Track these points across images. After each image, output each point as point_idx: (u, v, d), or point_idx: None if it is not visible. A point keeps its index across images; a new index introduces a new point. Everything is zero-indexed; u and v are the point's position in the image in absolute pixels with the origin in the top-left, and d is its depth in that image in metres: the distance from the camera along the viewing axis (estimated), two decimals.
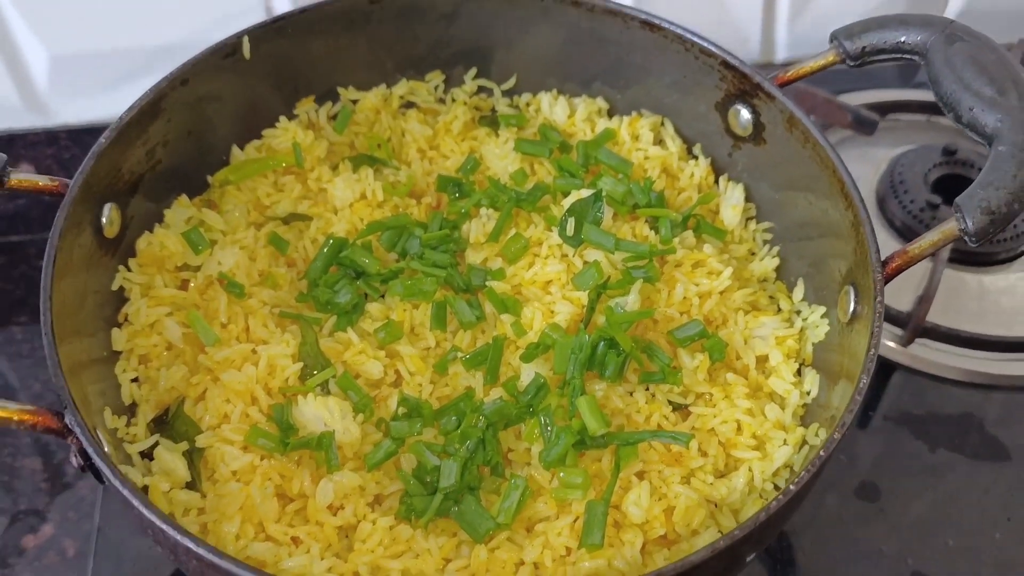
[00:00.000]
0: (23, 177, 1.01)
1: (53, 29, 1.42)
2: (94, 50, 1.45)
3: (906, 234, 1.43)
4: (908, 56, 1.08)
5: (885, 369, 1.35)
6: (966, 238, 0.97)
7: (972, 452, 1.28)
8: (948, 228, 0.98)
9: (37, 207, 1.52)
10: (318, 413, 1.01)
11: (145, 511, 0.80)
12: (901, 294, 1.37)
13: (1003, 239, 1.42)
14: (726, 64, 1.17)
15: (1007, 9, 1.72)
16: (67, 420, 0.86)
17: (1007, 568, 1.18)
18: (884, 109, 1.59)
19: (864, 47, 1.09)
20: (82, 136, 1.51)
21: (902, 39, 1.08)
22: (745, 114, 1.18)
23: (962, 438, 1.29)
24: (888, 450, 1.28)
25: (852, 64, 1.11)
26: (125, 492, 0.80)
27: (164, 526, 0.79)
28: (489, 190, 1.21)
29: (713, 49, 1.17)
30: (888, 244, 1.41)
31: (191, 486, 1.00)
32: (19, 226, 1.52)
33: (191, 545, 0.78)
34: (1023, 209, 0.96)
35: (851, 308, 1.03)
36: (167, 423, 1.03)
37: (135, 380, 1.07)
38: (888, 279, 0.98)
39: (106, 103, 1.50)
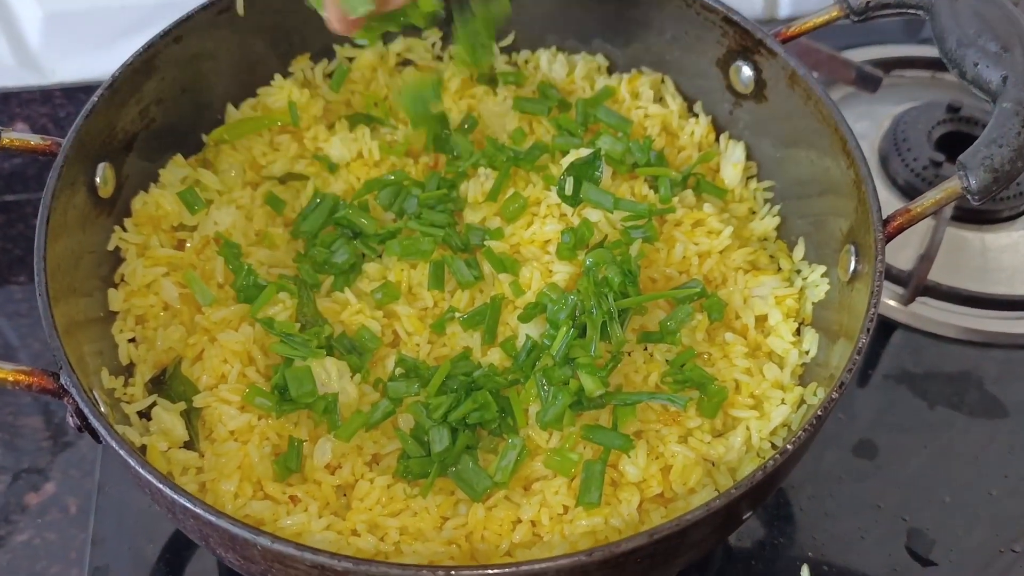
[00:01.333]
0: (16, 136, 1.00)
1: None
2: (87, 7, 1.44)
3: (909, 192, 1.42)
4: (913, 11, 1.07)
5: (885, 328, 1.35)
6: (969, 196, 0.96)
7: (970, 410, 1.28)
8: (951, 186, 0.97)
9: (33, 166, 1.51)
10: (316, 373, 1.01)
11: (142, 470, 0.80)
12: (902, 252, 1.36)
13: (1006, 197, 1.41)
14: (728, 20, 1.15)
15: None
16: (63, 380, 0.86)
17: (1003, 524, 1.18)
18: (888, 65, 1.57)
19: (868, 2, 1.08)
20: (77, 94, 1.50)
21: None
22: (747, 71, 1.17)
23: (961, 396, 1.29)
24: (887, 408, 1.28)
25: (856, 19, 1.10)
26: (122, 452, 0.81)
27: (161, 485, 0.79)
28: (487, 149, 1.20)
29: (715, 4, 1.15)
30: (890, 202, 1.40)
31: (189, 446, 1.00)
32: (16, 185, 1.52)
33: (188, 504, 0.78)
34: None
35: (852, 267, 1.02)
36: (164, 383, 1.03)
37: (132, 340, 1.07)
38: (889, 238, 0.98)
39: (101, 61, 1.48)
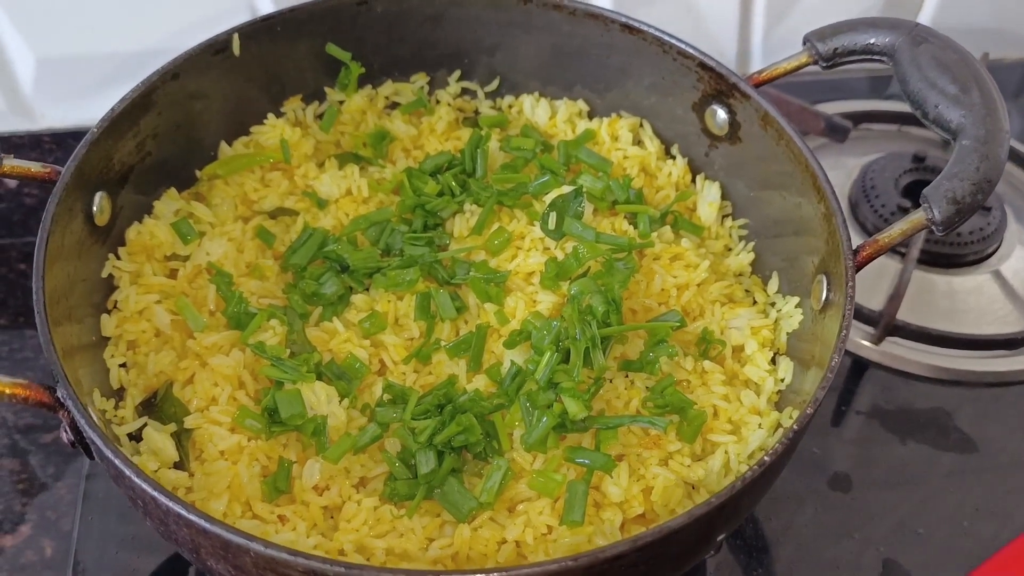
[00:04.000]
0: (16, 164, 1.02)
1: (39, 32, 1.43)
2: (80, 54, 1.47)
3: None
4: (877, 57, 1.13)
5: (858, 366, 1.39)
6: (934, 227, 1.01)
7: (941, 445, 1.32)
8: (916, 218, 1.02)
9: (19, 210, 1.52)
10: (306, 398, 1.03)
11: (136, 479, 0.81)
12: (873, 294, 1.41)
13: (970, 241, 1.46)
14: (703, 65, 1.21)
15: (972, 25, 1.78)
16: (59, 394, 0.88)
17: (975, 556, 1.21)
18: (857, 119, 1.64)
19: (835, 48, 1.14)
20: (66, 139, 1.52)
21: (871, 41, 1.12)
22: (721, 114, 1.22)
23: (931, 431, 1.33)
24: (861, 443, 1.31)
25: (824, 65, 1.15)
26: (117, 461, 0.82)
27: (156, 493, 0.80)
28: (472, 189, 1.24)
29: (690, 51, 1.21)
30: (852, 239, 1.45)
31: (179, 466, 1.01)
32: (1, 229, 1.53)
33: (182, 511, 0.79)
34: (985, 199, 1.00)
35: (824, 296, 1.06)
36: (155, 406, 1.05)
37: (123, 365, 1.09)
38: (859, 267, 1.02)
39: (91, 107, 1.50)
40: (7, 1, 1.40)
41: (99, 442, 0.84)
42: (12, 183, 1.49)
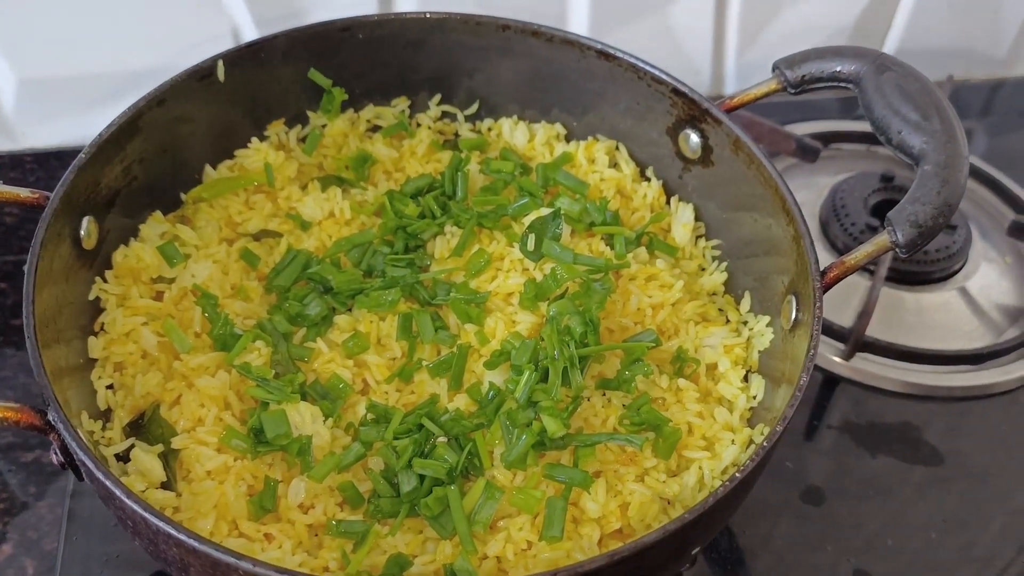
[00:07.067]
0: (4, 189, 1.04)
1: (21, 53, 1.45)
2: (62, 75, 1.49)
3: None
4: (843, 84, 1.16)
5: (829, 382, 1.42)
6: (897, 250, 1.05)
7: (910, 458, 1.35)
8: (881, 240, 1.05)
9: None
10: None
11: (127, 500, 0.83)
12: (843, 311, 1.45)
13: (937, 260, 1.51)
14: (676, 91, 1.24)
15: (938, 47, 1.83)
16: (50, 417, 0.90)
17: (942, 566, 1.25)
18: (826, 139, 1.69)
19: (803, 76, 1.17)
20: (48, 160, 1.53)
21: (838, 69, 1.16)
22: (694, 138, 1.26)
23: (901, 446, 1.36)
24: (832, 457, 1.35)
25: (793, 92, 1.19)
26: (108, 483, 0.84)
27: (146, 514, 0.82)
28: (452, 211, 1.27)
29: (664, 77, 1.24)
30: (821, 261, 1.49)
31: (166, 486, 1.03)
32: None
33: (171, 530, 0.81)
34: (947, 222, 1.04)
35: (793, 316, 1.10)
36: (142, 427, 1.07)
37: (110, 387, 1.11)
38: (827, 288, 1.05)
39: (73, 127, 1.53)
40: None
41: (90, 464, 0.86)
42: None
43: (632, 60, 1.26)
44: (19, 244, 1.54)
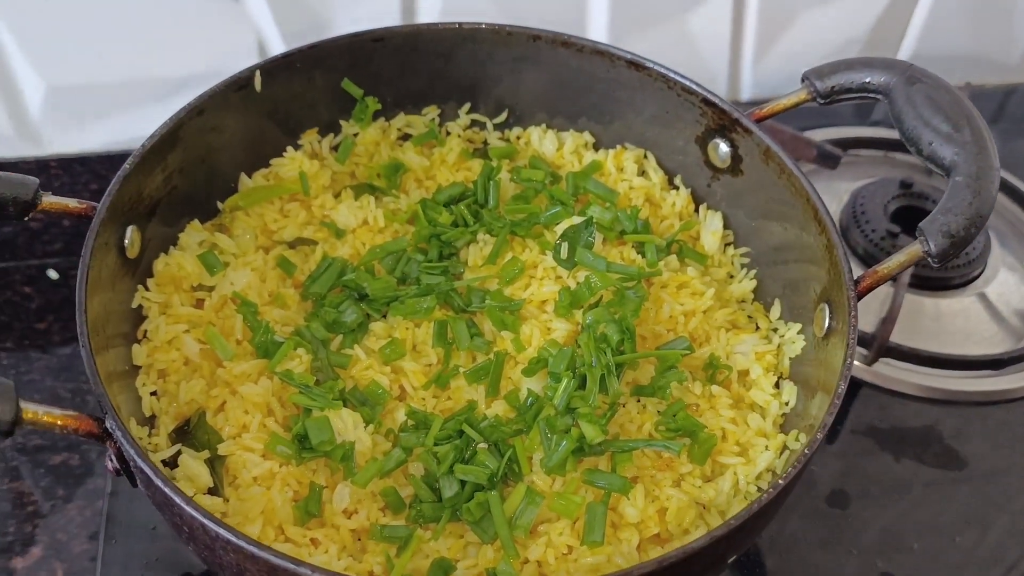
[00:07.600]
0: (55, 200, 1.06)
1: (50, 60, 1.47)
2: (89, 82, 1.50)
3: (868, 260, 1.53)
4: (872, 95, 1.18)
5: (852, 386, 1.43)
6: (929, 259, 1.06)
7: (933, 462, 1.37)
8: (913, 250, 1.07)
9: (24, 234, 1.55)
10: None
11: (186, 506, 0.85)
12: (866, 317, 1.47)
13: (956, 265, 1.53)
14: (706, 101, 1.26)
15: (953, 53, 1.85)
16: (107, 424, 0.91)
17: (967, 568, 1.27)
18: (844, 145, 1.70)
19: (833, 86, 1.19)
20: (72, 165, 1.55)
21: (867, 80, 1.18)
22: (724, 147, 1.27)
23: (924, 450, 1.39)
24: (856, 461, 1.37)
25: (822, 102, 1.21)
26: (167, 491, 0.86)
27: (205, 520, 0.84)
28: (485, 220, 1.28)
29: (695, 87, 1.26)
30: (852, 269, 1.52)
31: (213, 492, 1.05)
32: (5, 253, 1.55)
33: (232, 537, 0.83)
34: (978, 232, 1.06)
35: (826, 324, 1.12)
36: (188, 433, 1.08)
37: (154, 394, 1.12)
38: (860, 296, 1.07)
39: (98, 134, 1.55)
40: (18, 29, 1.43)
41: (149, 471, 0.87)
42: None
43: (662, 70, 1.28)
44: (43, 249, 1.56)
